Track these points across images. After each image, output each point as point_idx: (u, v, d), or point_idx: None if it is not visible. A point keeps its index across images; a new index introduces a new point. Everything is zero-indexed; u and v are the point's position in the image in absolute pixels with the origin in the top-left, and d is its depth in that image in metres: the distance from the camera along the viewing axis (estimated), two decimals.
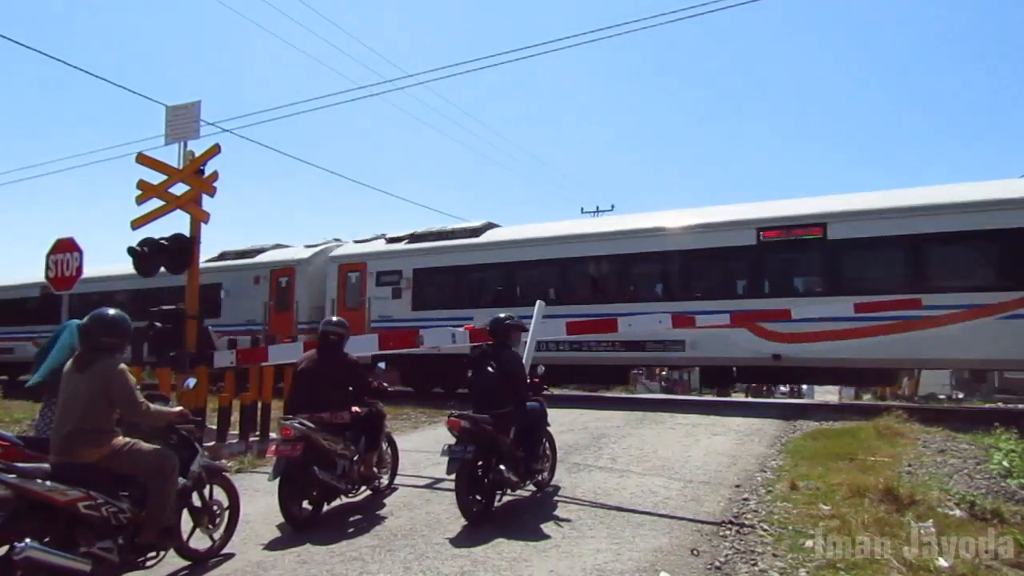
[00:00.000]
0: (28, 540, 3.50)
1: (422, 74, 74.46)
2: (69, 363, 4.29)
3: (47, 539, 3.67)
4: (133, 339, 4.63)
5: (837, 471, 6.90)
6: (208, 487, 4.89)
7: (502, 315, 6.63)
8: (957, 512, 5.59)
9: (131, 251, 9.14)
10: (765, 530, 5.26)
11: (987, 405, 16.42)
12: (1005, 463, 7.26)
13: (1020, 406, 15.11)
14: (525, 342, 7.65)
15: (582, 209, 37.36)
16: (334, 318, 6.66)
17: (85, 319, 4.41)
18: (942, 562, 4.40)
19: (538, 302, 8.88)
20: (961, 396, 19.22)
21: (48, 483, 3.74)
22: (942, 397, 19.67)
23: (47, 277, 10.40)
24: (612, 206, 38.54)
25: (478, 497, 5.66)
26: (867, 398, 22.54)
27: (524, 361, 6.97)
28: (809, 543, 4.87)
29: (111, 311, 4.37)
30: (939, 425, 9.54)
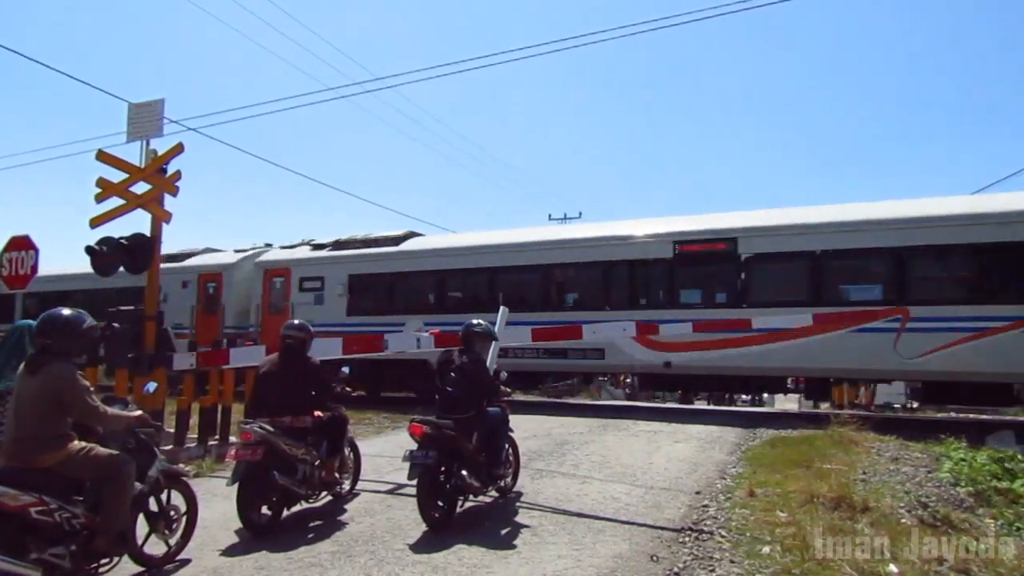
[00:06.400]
0: None
1: (391, 77, 74.13)
2: (21, 366, 4.17)
3: None
4: (91, 340, 4.49)
5: (794, 478, 7.03)
6: (165, 492, 4.80)
7: (473, 321, 6.64)
8: (908, 519, 5.74)
9: (89, 250, 8.95)
10: (723, 536, 5.34)
11: (940, 415, 16.84)
12: (954, 472, 7.48)
13: (971, 416, 15.54)
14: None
15: (550, 216, 37.76)
16: (296, 321, 6.57)
17: (37, 320, 4.27)
18: (892, 568, 4.52)
19: (502, 308, 8.90)
20: (915, 406, 19.69)
21: None
22: (897, 406, 20.11)
23: (1, 276, 10.11)
24: (580, 213, 39.05)
25: (439, 503, 5.65)
26: (826, 407, 22.95)
27: (488, 366, 6.98)
28: (766, 549, 4.97)
29: (65, 311, 4.25)
30: (893, 434, 9.77)
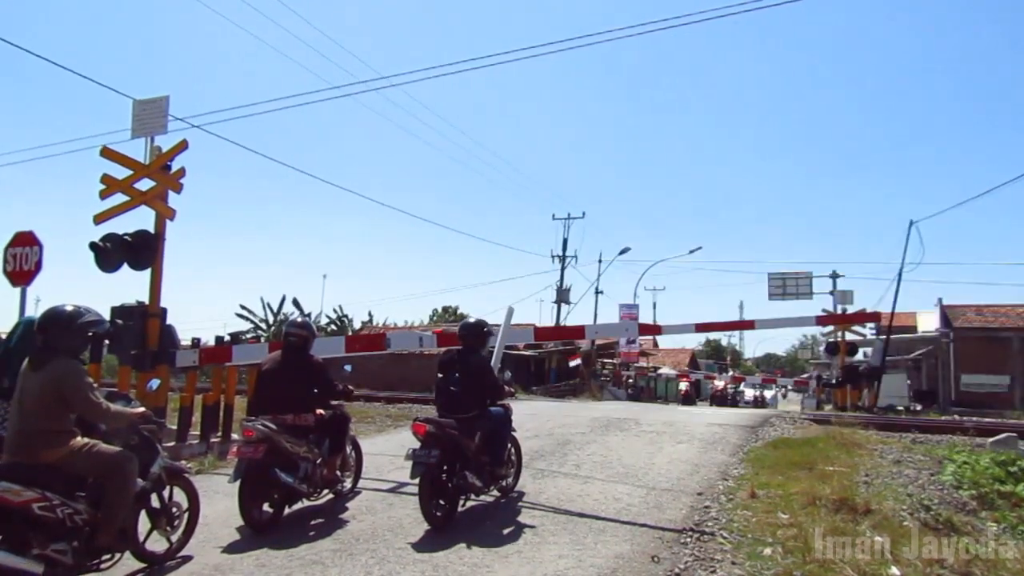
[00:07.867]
0: None
1: (395, 76, 74.19)
2: (25, 362, 4.17)
3: None
4: (94, 337, 4.49)
5: (796, 480, 7.03)
6: (167, 488, 4.81)
7: (472, 319, 6.64)
8: (910, 521, 5.73)
9: (93, 246, 8.96)
10: (725, 538, 5.34)
11: (943, 417, 16.82)
12: (957, 475, 7.47)
13: (974, 419, 15.50)
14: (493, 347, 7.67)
15: (553, 216, 37.75)
16: (298, 319, 6.57)
17: (40, 316, 4.27)
18: (893, 569, 4.51)
19: (508, 307, 8.90)
20: (919, 408, 19.69)
21: (1, 483, 3.65)
22: (900, 408, 20.09)
23: (5, 272, 10.10)
24: (583, 213, 39.04)
25: (441, 502, 5.64)
26: (828, 408, 22.93)
27: (492, 364, 6.99)
28: (767, 551, 4.96)
29: (68, 307, 4.25)
30: (896, 436, 9.75)
